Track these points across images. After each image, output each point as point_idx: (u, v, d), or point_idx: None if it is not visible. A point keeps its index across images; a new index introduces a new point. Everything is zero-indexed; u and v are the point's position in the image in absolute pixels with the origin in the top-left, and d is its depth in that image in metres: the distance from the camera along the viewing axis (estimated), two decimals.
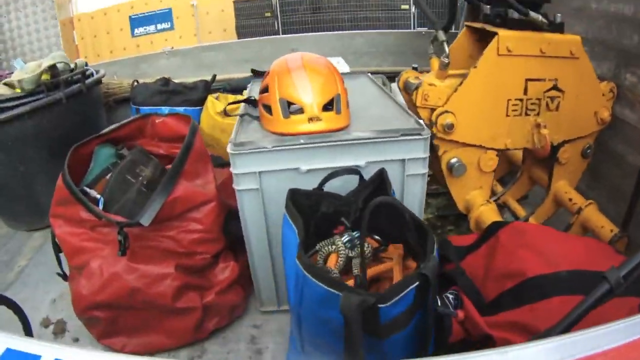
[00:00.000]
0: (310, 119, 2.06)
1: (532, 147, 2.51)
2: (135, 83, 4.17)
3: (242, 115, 2.39)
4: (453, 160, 2.45)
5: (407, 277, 1.34)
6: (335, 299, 1.25)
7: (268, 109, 2.15)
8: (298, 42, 5.12)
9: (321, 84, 2.12)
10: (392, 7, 9.39)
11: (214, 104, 3.73)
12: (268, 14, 9.71)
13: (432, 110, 2.37)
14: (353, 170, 1.92)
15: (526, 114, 2.44)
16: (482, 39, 2.63)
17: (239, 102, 2.54)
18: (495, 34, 2.29)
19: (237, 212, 2.21)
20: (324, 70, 2.21)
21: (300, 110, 2.09)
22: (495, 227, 1.89)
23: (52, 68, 3.50)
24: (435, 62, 2.51)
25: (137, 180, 2.36)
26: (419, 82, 2.38)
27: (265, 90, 2.18)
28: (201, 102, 3.87)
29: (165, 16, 10.69)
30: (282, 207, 1.75)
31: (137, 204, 2.23)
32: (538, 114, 2.44)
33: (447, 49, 2.37)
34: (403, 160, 2.06)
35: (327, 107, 2.10)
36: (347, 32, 5.93)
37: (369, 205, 1.40)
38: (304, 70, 2.14)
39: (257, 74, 3.97)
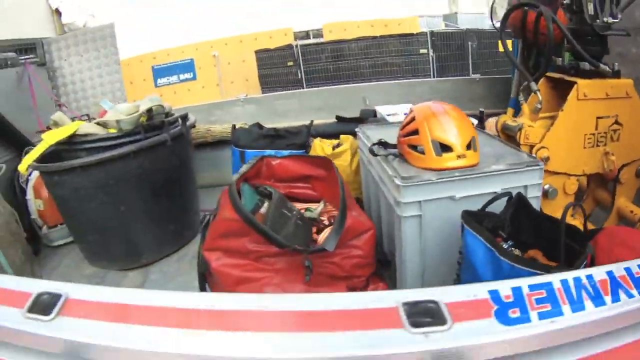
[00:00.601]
0: (458, 156, 2.36)
1: (603, 171, 3.03)
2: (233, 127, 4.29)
3: (386, 156, 2.64)
4: (547, 187, 2.94)
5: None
6: None
7: (414, 147, 2.46)
8: (366, 91, 5.32)
9: (463, 126, 2.44)
10: (411, 52, 9.72)
11: (323, 146, 3.86)
12: (290, 63, 9.89)
13: (531, 146, 2.91)
14: (507, 194, 2.17)
15: (597, 145, 2.98)
16: (556, 86, 3.18)
17: (380, 143, 2.69)
18: (575, 83, 2.86)
19: None
20: (461, 115, 2.51)
21: (449, 149, 2.37)
22: (594, 232, 2.21)
23: (149, 111, 3.59)
24: (526, 107, 3.11)
25: (292, 215, 2.53)
26: (519, 125, 2.95)
27: (413, 133, 2.47)
28: (304, 145, 3.99)
29: (188, 67, 10.87)
30: (437, 229, 2.30)
31: (296, 235, 2.39)
32: (605, 144, 2.98)
33: (540, 97, 2.99)
34: (525, 186, 2.38)
35: (467, 146, 2.40)
36: (408, 80, 6.27)
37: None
38: (448, 116, 2.45)
39: (342, 120, 4.13)
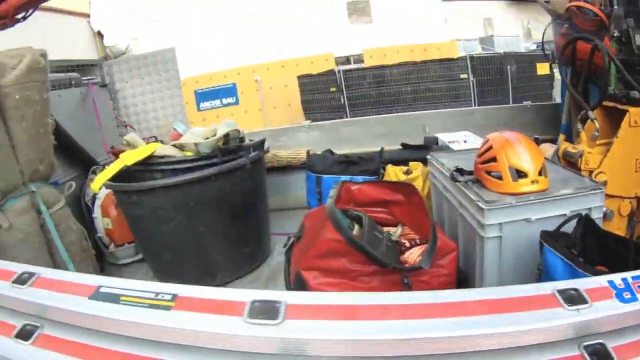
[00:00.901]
0: (532, 182, 2.53)
1: None
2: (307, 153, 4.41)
3: (466, 182, 2.77)
4: (604, 209, 2.85)
5: None
6: None
7: (490, 173, 2.63)
8: (424, 119, 5.34)
9: (535, 154, 2.61)
10: (452, 77, 9.69)
11: (396, 172, 3.89)
12: (333, 89, 9.91)
13: (590, 171, 3.06)
14: (578, 215, 2.38)
15: None
16: (609, 113, 3.31)
17: (457, 170, 2.77)
18: (627, 111, 3.05)
19: None
20: (531, 143, 2.70)
21: (524, 175, 2.54)
22: None
23: (226, 135, 3.63)
24: (584, 135, 3.25)
25: (383, 236, 2.63)
26: (579, 152, 3.12)
27: (490, 160, 2.64)
28: (376, 172, 4.02)
29: (230, 91, 10.96)
30: (513, 249, 2.49)
31: (387, 256, 2.44)
32: None
33: (597, 125, 3.16)
34: (589, 209, 2.51)
35: (539, 172, 2.57)
36: (466, 108, 6.23)
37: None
38: (521, 144, 2.63)
39: (408, 147, 4.17)
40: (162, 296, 1.25)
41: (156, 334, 1.18)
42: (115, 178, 3.57)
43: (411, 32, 12.59)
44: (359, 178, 3.78)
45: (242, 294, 1.26)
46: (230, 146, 3.65)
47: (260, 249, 4.01)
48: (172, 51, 5.79)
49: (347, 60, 12.22)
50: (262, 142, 3.90)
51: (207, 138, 3.64)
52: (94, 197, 4.42)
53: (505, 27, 15.84)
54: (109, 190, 4.16)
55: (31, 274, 1.44)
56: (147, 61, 5.67)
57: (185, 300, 1.24)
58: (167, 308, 1.21)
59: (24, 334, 1.32)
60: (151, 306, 1.22)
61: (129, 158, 3.57)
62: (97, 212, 4.36)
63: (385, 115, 6.20)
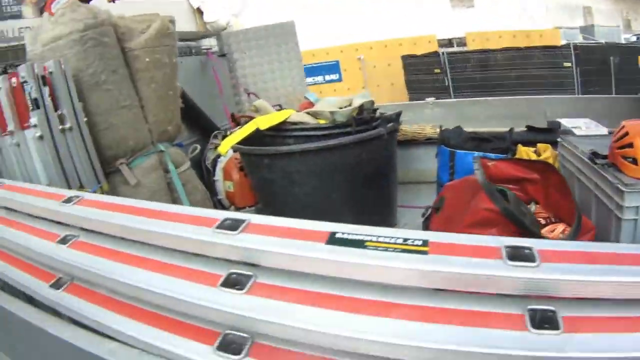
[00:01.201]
0: None
1: None
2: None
3: (602, 165, 2.72)
4: None
5: None
6: None
7: (625, 158, 2.58)
8: (547, 104, 5.25)
9: None
10: (555, 65, 9.33)
11: (528, 153, 3.79)
12: (437, 71, 9.76)
13: None
14: None
15: None
16: None
17: (593, 154, 2.73)
18: None
19: None
20: None
21: None
22: None
23: (360, 106, 3.61)
24: None
25: (527, 211, 2.68)
26: None
27: (627, 146, 2.58)
28: (507, 150, 3.93)
29: (333, 68, 10.97)
30: None
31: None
32: None
33: None
34: None
35: None
36: (586, 96, 6.10)
37: None
38: None
39: (533, 130, 4.07)
40: (413, 241, 1.19)
41: (417, 279, 1.13)
42: (240, 142, 3.62)
43: (512, 18, 12.32)
44: (492, 155, 3.70)
45: (492, 240, 1.22)
46: (365, 116, 3.61)
47: (389, 218, 3.97)
48: (292, 25, 5.84)
49: (449, 42, 12.03)
50: (399, 114, 3.85)
51: (342, 108, 3.63)
52: (215, 161, 4.52)
53: (604, 17, 15.37)
54: (231, 154, 4.25)
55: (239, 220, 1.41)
56: (266, 33, 5.71)
57: (439, 245, 1.17)
58: (424, 252, 1.15)
59: (233, 282, 1.29)
60: (404, 251, 1.16)
61: (263, 122, 3.61)
62: (218, 175, 4.45)
63: (508, 97, 6.05)
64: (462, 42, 11.88)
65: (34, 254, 1.80)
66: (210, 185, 4.43)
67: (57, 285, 1.67)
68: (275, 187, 3.65)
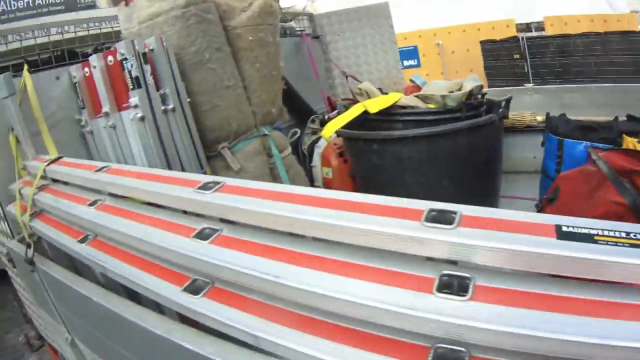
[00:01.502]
0: None
1: None
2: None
3: None
4: None
5: None
6: None
7: None
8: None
9: None
10: (636, 51, 9.03)
11: (635, 144, 3.68)
12: (517, 56, 9.58)
13: None
14: None
15: None
16: None
17: None
18: None
19: None
20: None
21: None
22: None
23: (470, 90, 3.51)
24: None
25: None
26: None
27: None
28: (614, 140, 3.83)
29: (412, 53, 10.90)
30: None
31: None
32: None
33: None
34: None
35: None
36: None
37: None
38: None
39: (633, 119, 3.95)
40: (636, 235, 1.07)
41: None
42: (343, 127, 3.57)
43: (589, 1, 11.98)
44: (600, 145, 3.60)
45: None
46: (473, 101, 3.50)
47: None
48: (386, 5, 5.76)
49: (527, 27, 11.78)
50: (508, 100, 3.74)
51: (451, 92, 3.54)
52: (312, 146, 4.44)
53: None
54: (330, 140, 4.17)
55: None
56: (359, 14, 5.68)
57: None
58: None
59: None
60: (632, 246, 1.05)
61: (373, 105, 3.54)
62: (316, 161, 4.35)
63: (609, 85, 5.87)
64: (540, 26, 11.61)
65: (172, 254, 1.53)
66: (306, 171, 4.32)
67: (194, 289, 1.44)
68: (385, 174, 3.59)
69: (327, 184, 4.34)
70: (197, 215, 1.64)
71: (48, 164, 2.43)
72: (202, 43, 3.14)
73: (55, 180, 2.47)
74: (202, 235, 1.49)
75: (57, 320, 2.57)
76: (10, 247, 2.70)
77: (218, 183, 1.57)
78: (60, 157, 2.51)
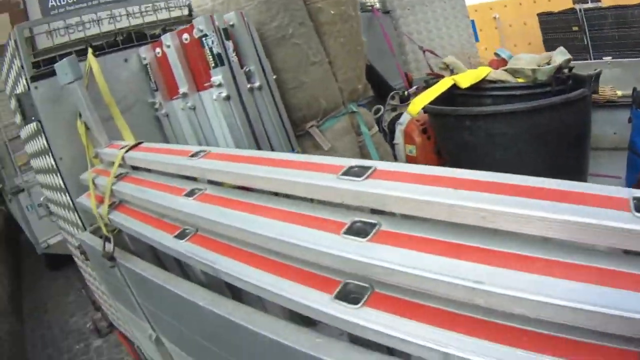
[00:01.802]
0: None
1: None
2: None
3: None
4: None
5: None
6: None
7: None
8: None
9: None
10: None
11: None
12: (575, 28, 9.44)
13: None
14: None
15: None
16: None
17: None
18: None
19: None
20: None
21: None
22: None
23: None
24: None
25: None
26: None
27: None
28: None
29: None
30: None
31: None
32: None
33: None
34: None
35: None
36: None
37: None
38: None
39: None
40: None
41: None
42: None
43: None
44: None
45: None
46: (562, 75, 3.47)
47: None
48: None
49: None
50: (598, 74, 3.65)
51: (540, 65, 3.52)
52: (393, 123, 4.36)
53: None
54: (413, 116, 4.08)
55: None
56: None
57: None
58: None
59: None
60: None
61: (463, 80, 3.54)
62: (399, 139, 4.23)
63: None
64: None
65: (320, 255, 1.24)
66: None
67: (349, 297, 1.20)
68: (476, 151, 3.53)
69: (410, 162, 4.24)
70: (331, 205, 1.38)
71: (127, 151, 2.30)
72: (284, 17, 3.06)
73: (135, 168, 2.35)
74: (355, 231, 1.22)
75: (138, 316, 2.47)
76: (82, 239, 2.60)
77: (367, 168, 1.27)
78: (140, 143, 2.39)
